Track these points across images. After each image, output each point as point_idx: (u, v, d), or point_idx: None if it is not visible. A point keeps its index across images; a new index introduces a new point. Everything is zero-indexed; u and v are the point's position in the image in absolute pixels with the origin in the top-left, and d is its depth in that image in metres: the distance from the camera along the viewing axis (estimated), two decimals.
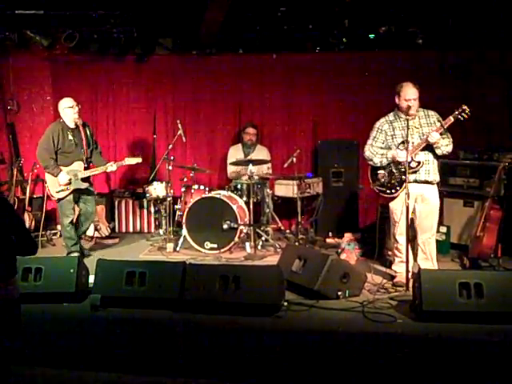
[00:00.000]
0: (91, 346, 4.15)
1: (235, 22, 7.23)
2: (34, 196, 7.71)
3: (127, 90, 8.16)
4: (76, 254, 6.00)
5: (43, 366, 4.03)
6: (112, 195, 8.05)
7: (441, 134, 5.11)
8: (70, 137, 6.14)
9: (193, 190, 7.03)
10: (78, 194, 6.24)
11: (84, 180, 6.17)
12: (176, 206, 7.17)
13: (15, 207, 6.94)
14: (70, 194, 6.14)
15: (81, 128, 6.19)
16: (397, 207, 5.20)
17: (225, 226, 6.47)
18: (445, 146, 5.17)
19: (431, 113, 5.29)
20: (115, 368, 4.00)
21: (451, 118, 5.05)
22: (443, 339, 3.99)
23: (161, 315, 4.49)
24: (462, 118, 5.02)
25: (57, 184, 6.11)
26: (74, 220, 6.35)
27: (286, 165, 7.08)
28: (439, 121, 5.18)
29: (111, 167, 6.26)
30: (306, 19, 7.30)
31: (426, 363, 3.77)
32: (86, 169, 6.19)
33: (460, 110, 5.00)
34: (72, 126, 6.19)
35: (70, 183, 6.10)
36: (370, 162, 5.43)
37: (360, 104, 7.86)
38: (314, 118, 8.01)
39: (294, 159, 6.89)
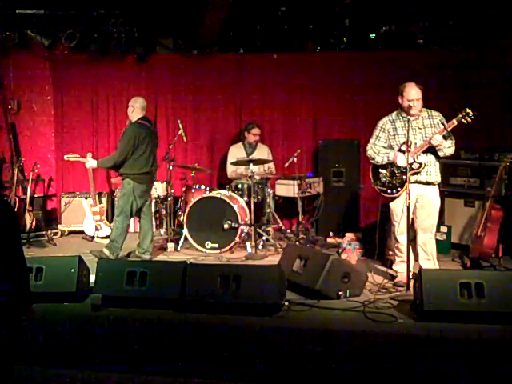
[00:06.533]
0: (92, 346, 4.15)
1: (235, 22, 7.23)
2: (35, 195, 7.72)
3: (128, 90, 8.13)
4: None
5: (44, 365, 4.03)
6: (113, 195, 8.05)
7: (444, 135, 5.09)
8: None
9: (193, 190, 7.03)
10: None
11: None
12: (177, 206, 7.17)
13: (16, 206, 6.94)
14: None
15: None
16: (397, 207, 5.19)
17: (225, 226, 6.47)
18: (447, 148, 5.14)
19: (435, 113, 5.25)
20: (116, 368, 4.00)
21: (454, 121, 5.00)
22: (444, 339, 3.98)
23: (161, 315, 4.48)
24: (465, 122, 4.96)
25: None
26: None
27: (286, 164, 7.08)
28: (442, 123, 5.15)
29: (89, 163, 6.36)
30: (306, 19, 7.30)
31: (426, 363, 3.76)
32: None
33: (464, 113, 4.95)
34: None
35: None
36: (372, 161, 5.41)
37: (361, 104, 7.86)
38: (315, 118, 8.01)
39: (295, 159, 6.90)
